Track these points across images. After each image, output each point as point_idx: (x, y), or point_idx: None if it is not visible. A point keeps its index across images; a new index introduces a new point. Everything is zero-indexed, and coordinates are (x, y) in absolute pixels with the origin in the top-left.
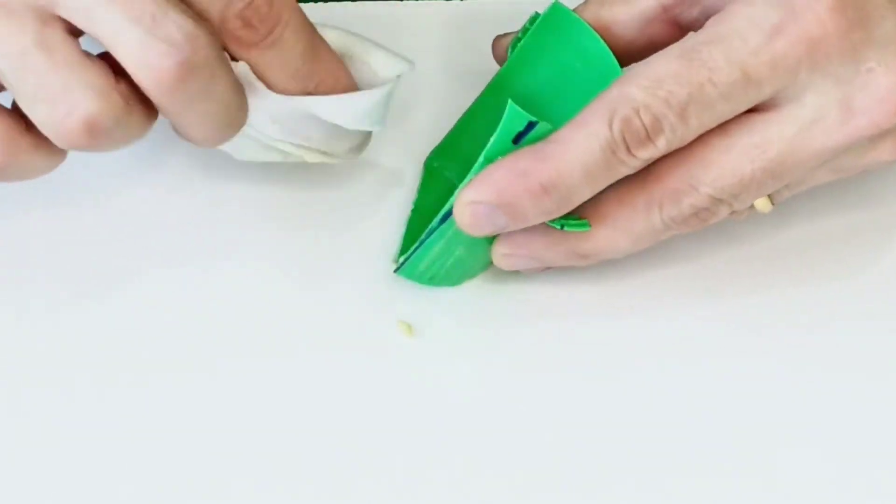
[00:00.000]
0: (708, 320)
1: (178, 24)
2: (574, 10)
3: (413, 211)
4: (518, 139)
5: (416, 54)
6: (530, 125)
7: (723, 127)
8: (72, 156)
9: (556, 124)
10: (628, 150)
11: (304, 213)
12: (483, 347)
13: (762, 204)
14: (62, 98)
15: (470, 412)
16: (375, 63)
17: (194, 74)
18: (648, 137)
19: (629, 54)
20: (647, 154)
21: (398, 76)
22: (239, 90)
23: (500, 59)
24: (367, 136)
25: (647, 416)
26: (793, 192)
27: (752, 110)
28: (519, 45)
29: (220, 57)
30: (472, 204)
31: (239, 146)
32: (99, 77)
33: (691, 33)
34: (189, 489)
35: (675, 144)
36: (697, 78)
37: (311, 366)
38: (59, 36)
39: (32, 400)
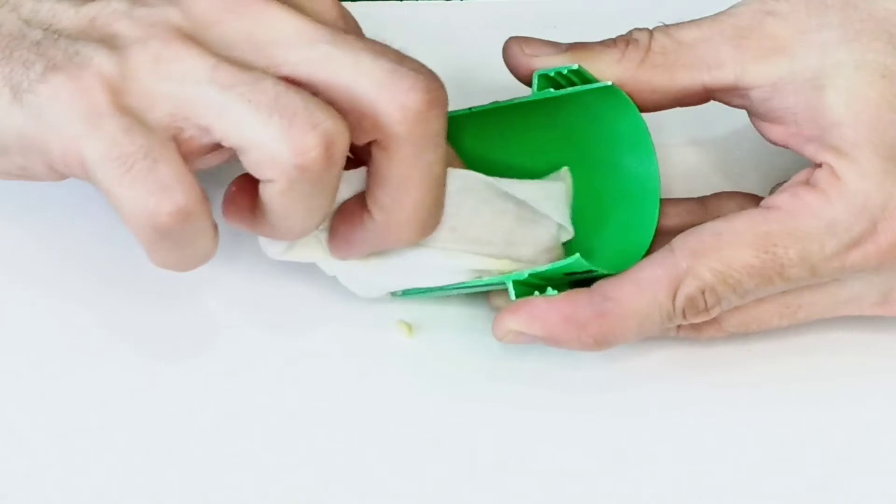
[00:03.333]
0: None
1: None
2: (609, 64)
3: None
4: (570, 274)
5: (415, 54)
6: (589, 272)
7: None
8: None
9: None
10: (683, 316)
11: None
12: (483, 347)
13: None
14: (304, 112)
15: (470, 412)
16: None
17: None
18: (706, 310)
19: (650, 109)
20: (697, 321)
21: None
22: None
23: (515, 67)
24: (556, 236)
25: (648, 411)
26: None
27: None
28: (557, 93)
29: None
30: (516, 333)
31: (416, 273)
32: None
33: (765, 210)
34: (187, 490)
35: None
36: (768, 272)
37: (310, 366)
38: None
39: (24, 400)
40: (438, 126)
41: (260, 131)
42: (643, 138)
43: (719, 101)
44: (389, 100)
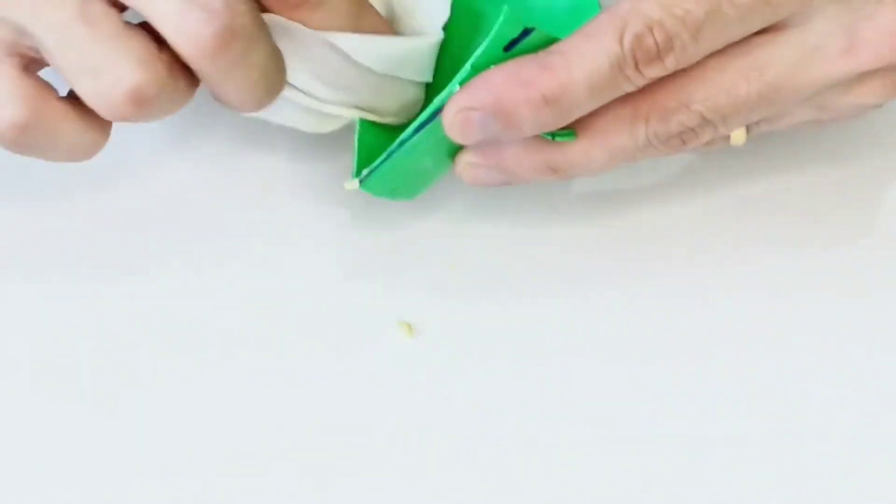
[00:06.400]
0: (703, 291)
1: None
2: None
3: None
4: (510, 47)
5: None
6: (525, 32)
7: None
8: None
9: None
10: (636, 66)
11: (304, 212)
12: (483, 347)
13: (737, 136)
14: (106, 70)
15: (470, 412)
16: (420, 19)
17: (233, 42)
18: (658, 56)
19: None
20: (654, 72)
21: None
22: (278, 56)
23: None
24: (420, 92)
25: (654, 414)
26: (771, 126)
27: (755, 32)
28: None
29: (259, 24)
30: (466, 110)
31: (276, 108)
32: (142, 47)
33: None
34: (186, 490)
35: (683, 63)
36: None
37: (310, 366)
38: (100, 8)
39: (26, 395)
40: (238, 52)
41: (76, 85)
42: None
43: None
44: (181, 38)
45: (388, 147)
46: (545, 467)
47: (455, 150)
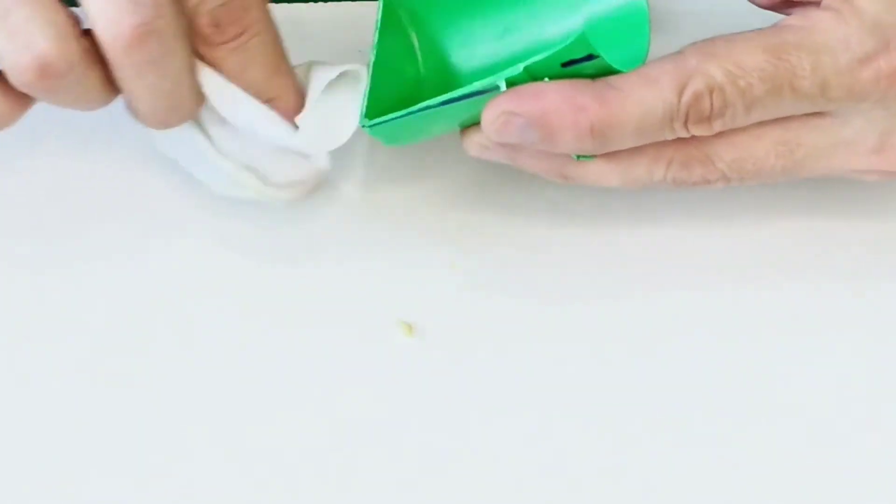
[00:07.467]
0: (709, 308)
1: None
2: None
3: (375, 56)
4: (568, 64)
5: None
6: (589, 57)
7: None
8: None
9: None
10: (685, 122)
11: (303, 212)
12: (483, 347)
13: None
14: (23, 32)
15: (470, 412)
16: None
17: (153, 39)
18: (709, 118)
19: None
20: (698, 132)
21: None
22: (191, 78)
23: None
24: (315, 172)
25: (655, 414)
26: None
27: None
28: None
29: (181, 33)
30: (509, 114)
31: (211, 176)
32: (63, 21)
33: (778, 27)
34: (187, 491)
35: (727, 128)
36: (780, 79)
37: (310, 366)
38: None
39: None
40: (155, 52)
41: None
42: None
43: None
44: (102, 23)
45: (403, 102)
46: (545, 466)
47: (467, 124)
